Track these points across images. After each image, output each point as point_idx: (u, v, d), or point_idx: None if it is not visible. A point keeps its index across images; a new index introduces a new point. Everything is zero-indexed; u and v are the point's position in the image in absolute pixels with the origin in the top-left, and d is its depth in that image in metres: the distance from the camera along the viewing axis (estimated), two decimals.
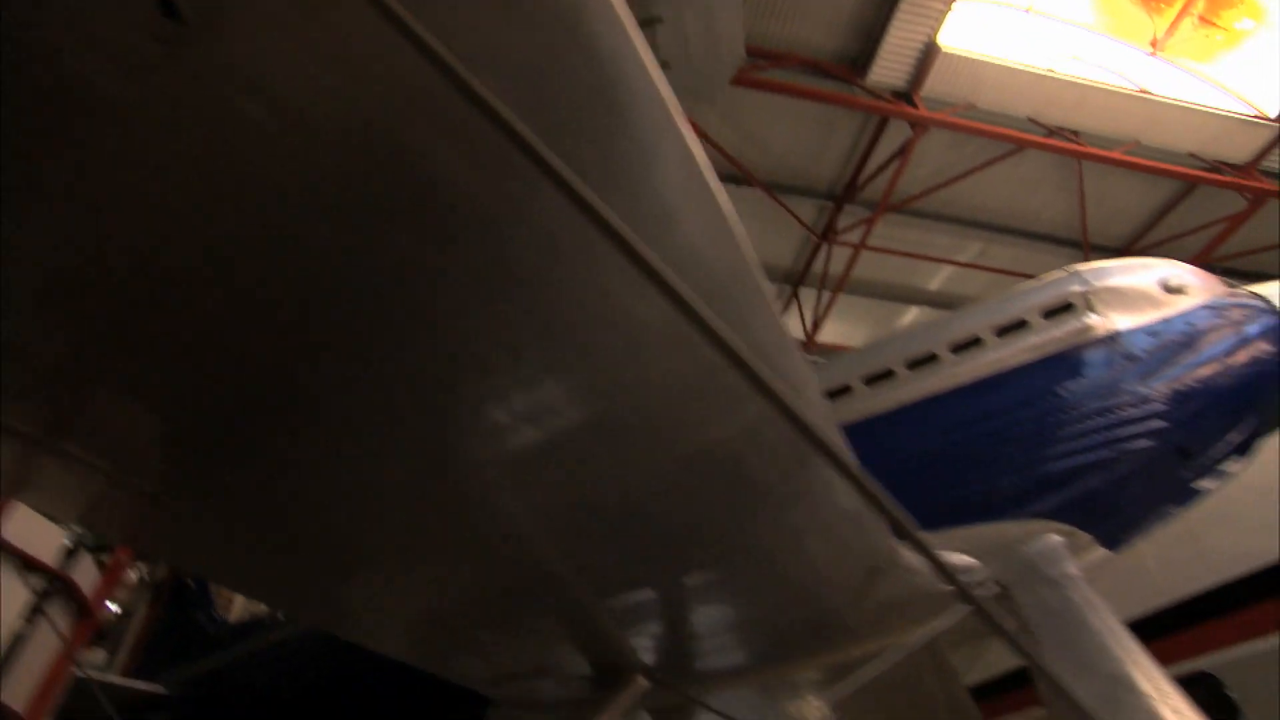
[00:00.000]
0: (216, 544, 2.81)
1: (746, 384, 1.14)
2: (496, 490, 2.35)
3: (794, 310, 13.40)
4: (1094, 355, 3.61)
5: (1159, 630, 7.57)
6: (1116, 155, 10.88)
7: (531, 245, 1.66)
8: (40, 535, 3.74)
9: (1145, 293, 3.74)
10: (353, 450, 2.19)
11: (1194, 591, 7.22)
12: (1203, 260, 11.91)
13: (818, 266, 12.59)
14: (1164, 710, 2.48)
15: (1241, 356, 3.52)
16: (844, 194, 11.73)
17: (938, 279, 13.22)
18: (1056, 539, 3.44)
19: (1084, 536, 3.51)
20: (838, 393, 4.03)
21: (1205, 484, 3.63)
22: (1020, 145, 10.86)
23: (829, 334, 13.26)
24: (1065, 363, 3.64)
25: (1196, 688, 7.27)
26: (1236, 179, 11.13)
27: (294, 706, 5.57)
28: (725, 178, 11.49)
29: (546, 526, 2.56)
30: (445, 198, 1.55)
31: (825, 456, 1.24)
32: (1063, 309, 3.76)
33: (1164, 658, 7.78)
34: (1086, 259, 12.06)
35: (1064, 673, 2.74)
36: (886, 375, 3.96)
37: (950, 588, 3.48)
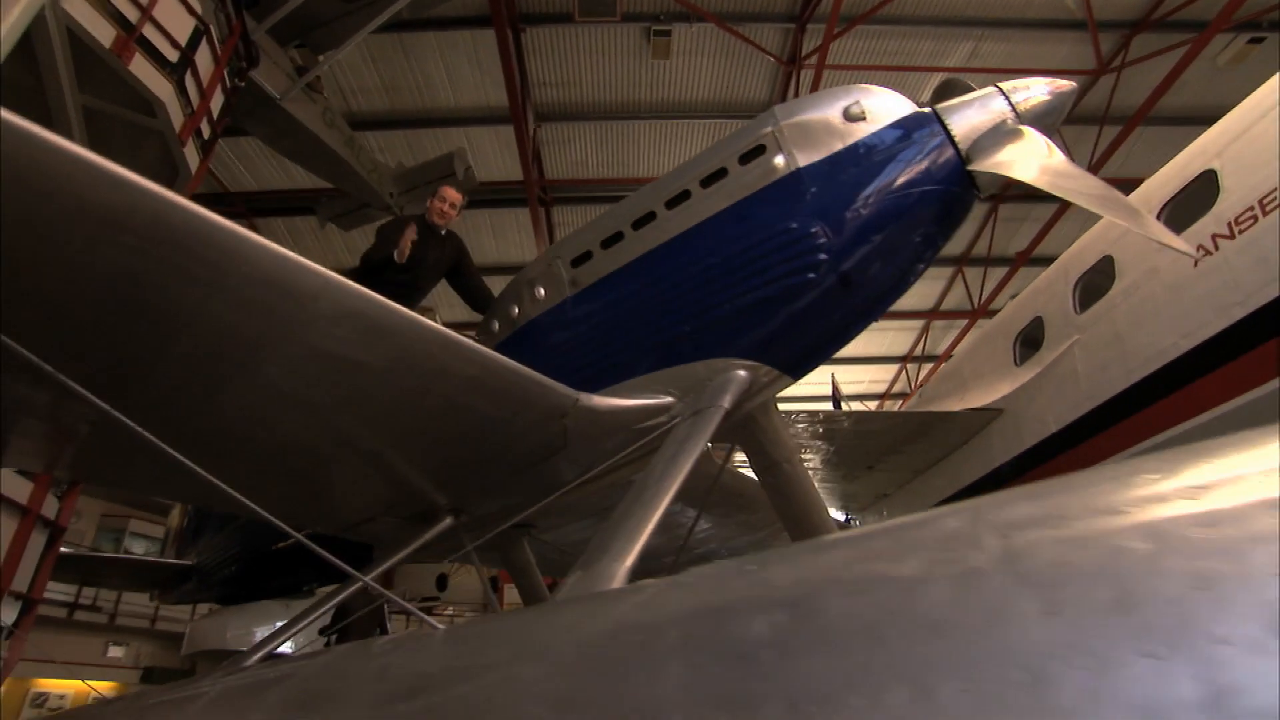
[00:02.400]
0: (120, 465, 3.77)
1: None
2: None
3: None
4: (775, 195, 3.68)
5: (1090, 431, 7.67)
6: None
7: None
8: None
9: (829, 124, 3.69)
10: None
11: (1115, 393, 7.19)
12: (1228, 21, 10.43)
13: (794, 95, 12.02)
14: (647, 507, 2.86)
15: (905, 178, 3.48)
16: (803, 12, 10.96)
17: (929, 89, 12.30)
18: (740, 374, 3.73)
19: (766, 369, 3.77)
20: (581, 259, 4.34)
21: (879, 305, 3.73)
22: None
23: None
24: (749, 206, 3.73)
25: None
26: None
27: (271, 559, 6.89)
28: (673, 16, 11.01)
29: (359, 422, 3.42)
30: None
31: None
32: (756, 152, 3.81)
33: (1095, 457, 7.91)
34: (1095, 41, 10.87)
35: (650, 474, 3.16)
36: (618, 238, 4.21)
37: (645, 423, 3.94)
